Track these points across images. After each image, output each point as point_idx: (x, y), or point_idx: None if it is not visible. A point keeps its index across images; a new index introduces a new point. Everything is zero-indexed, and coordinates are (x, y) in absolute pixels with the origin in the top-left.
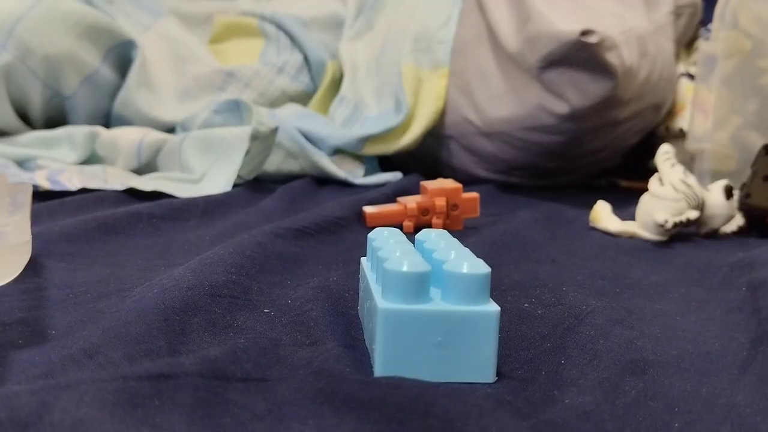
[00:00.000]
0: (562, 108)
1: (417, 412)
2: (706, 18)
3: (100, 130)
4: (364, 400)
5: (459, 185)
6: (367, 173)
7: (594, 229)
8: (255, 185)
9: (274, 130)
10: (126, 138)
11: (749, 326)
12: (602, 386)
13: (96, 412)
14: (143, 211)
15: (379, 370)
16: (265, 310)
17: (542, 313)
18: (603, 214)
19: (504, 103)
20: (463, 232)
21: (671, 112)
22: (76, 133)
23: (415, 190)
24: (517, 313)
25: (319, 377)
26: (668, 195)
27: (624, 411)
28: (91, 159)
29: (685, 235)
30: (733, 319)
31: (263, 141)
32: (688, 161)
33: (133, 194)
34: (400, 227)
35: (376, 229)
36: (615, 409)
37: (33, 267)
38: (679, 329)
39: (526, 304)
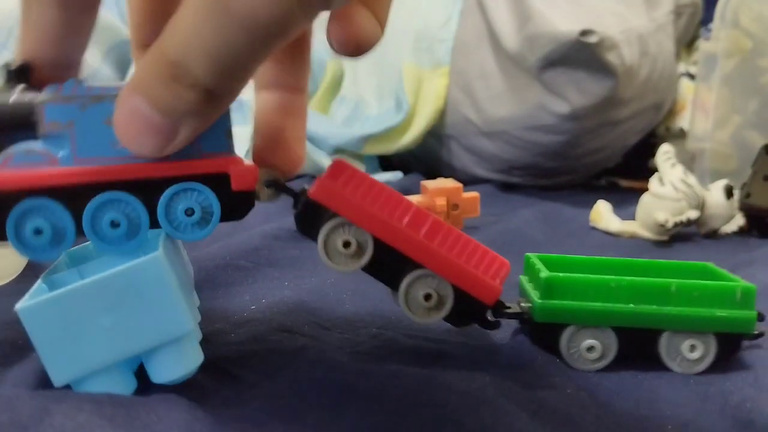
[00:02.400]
0: (562, 107)
1: (417, 404)
2: (707, 17)
3: None
4: (363, 392)
5: (459, 185)
6: (367, 173)
7: (594, 228)
8: None
9: None
10: None
11: None
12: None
13: (96, 418)
14: None
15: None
16: (252, 307)
17: None
18: (603, 214)
19: (504, 102)
20: (464, 232)
21: (671, 112)
22: None
23: (415, 189)
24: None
25: (315, 369)
26: (669, 195)
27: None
28: None
29: (685, 234)
30: None
31: None
32: (689, 161)
33: None
34: None
35: None
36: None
37: (33, 267)
38: None
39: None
